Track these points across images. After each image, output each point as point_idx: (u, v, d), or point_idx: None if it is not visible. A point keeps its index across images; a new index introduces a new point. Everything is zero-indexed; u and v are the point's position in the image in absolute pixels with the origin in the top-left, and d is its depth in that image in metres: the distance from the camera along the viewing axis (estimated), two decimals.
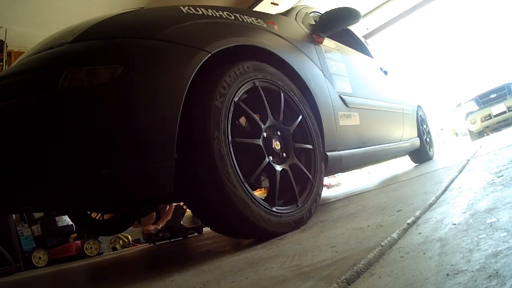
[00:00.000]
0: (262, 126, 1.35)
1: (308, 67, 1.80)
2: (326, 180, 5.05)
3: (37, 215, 4.39)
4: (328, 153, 1.73)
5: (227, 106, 1.23)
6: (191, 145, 1.14)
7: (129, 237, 4.98)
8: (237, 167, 1.19)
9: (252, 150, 1.32)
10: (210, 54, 1.22)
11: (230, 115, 1.24)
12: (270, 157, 1.35)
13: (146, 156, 1.04)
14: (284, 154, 1.43)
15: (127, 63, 1.06)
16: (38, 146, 1.00)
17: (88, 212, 2.64)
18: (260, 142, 1.32)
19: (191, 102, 1.16)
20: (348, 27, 3.23)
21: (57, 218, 4.38)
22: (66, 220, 4.38)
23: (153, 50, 1.13)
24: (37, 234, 4.35)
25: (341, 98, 2.02)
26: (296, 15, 2.09)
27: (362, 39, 3.34)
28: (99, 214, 2.72)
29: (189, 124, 1.14)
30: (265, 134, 1.37)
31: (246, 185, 1.20)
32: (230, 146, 1.20)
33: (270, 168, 1.32)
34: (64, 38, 1.15)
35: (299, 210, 1.36)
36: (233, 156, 1.19)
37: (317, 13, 2.38)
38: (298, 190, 1.41)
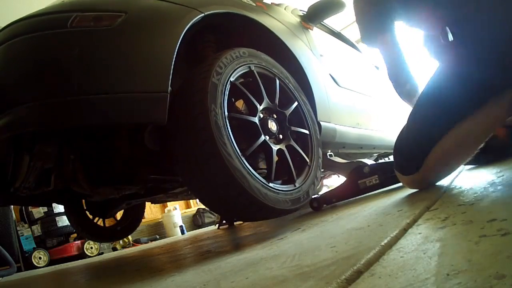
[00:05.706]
0: (258, 106, 1.42)
1: (298, 44, 1.92)
2: (326, 181, 5.05)
3: (37, 215, 4.39)
4: (322, 123, 1.81)
5: (223, 84, 1.32)
6: (190, 117, 1.23)
7: (129, 237, 4.98)
8: (233, 140, 1.25)
9: (248, 128, 1.38)
10: (203, 14, 1.37)
11: (227, 92, 1.33)
12: (267, 136, 1.40)
13: (142, 85, 1.18)
14: (281, 136, 1.49)
15: (129, 12, 1.22)
16: (44, 71, 1.13)
17: (91, 217, 2.65)
18: (256, 120, 1.39)
19: (191, 80, 1.31)
20: (340, 32, 3.34)
21: (57, 218, 4.39)
22: (66, 220, 4.38)
23: (153, 6, 1.31)
24: (37, 234, 4.36)
25: (331, 76, 2.13)
26: (285, 8, 2.21)
27: (354, 42, 3.48)
28: (101, 220, 2.73)
29: (188, 98, 1.25)
30: (261, 115, 1.43)
31: (243, 158, 1.25)
32: (227, 119, 1.28)
33: (266, 146, 1.38)
34: None
35: (297, 190, 1.41)
36: (229, 129, 1.26)
37: (304, 12, 2.48)
38: (296, 172, 1.46)
